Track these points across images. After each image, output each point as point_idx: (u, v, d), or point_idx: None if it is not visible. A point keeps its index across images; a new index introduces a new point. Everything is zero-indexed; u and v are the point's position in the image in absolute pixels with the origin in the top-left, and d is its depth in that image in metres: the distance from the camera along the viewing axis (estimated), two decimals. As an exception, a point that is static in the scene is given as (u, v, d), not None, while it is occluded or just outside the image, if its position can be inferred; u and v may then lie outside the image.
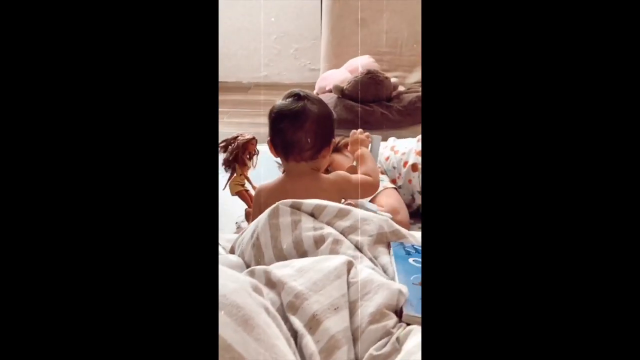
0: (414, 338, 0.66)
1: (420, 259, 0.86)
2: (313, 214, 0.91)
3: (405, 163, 1.89)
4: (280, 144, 1.45)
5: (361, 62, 2.57)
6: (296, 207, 0.92)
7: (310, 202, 0.92)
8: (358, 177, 1.50)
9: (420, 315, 0.72)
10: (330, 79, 2.53)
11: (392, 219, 1.63)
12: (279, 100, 1.51)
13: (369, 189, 1.46)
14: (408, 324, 0.71)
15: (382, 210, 1.68)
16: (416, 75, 2.65)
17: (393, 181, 1.90)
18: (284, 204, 0.92)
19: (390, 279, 0.81)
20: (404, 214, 1.77)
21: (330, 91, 2.41)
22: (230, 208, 1.83)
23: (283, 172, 1.51)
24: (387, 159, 1.92)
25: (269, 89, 3.20)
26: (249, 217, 1.67)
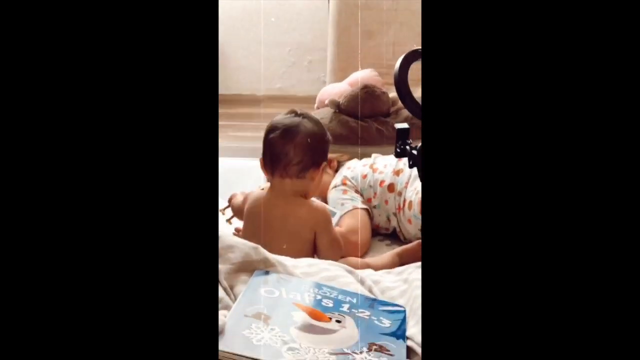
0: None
1: (275, 291, 0.81)
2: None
3: (382, 183, 1.81)
4: (269, 157, 1.43)
5: (363, 76, 2.50)
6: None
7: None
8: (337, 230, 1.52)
9: (232, 352, 0.67)
10: (330, 92, 2.49)
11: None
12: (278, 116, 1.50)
13: (336, 251, 1.48)
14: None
15: (341, 231, 1.63)
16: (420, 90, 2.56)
17: (369, 200, 1.83)
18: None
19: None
20: (364, 235, 1.70)
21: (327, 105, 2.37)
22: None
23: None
24: (365, 176, 1.86)
25: (282, 101, 3.19)
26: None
